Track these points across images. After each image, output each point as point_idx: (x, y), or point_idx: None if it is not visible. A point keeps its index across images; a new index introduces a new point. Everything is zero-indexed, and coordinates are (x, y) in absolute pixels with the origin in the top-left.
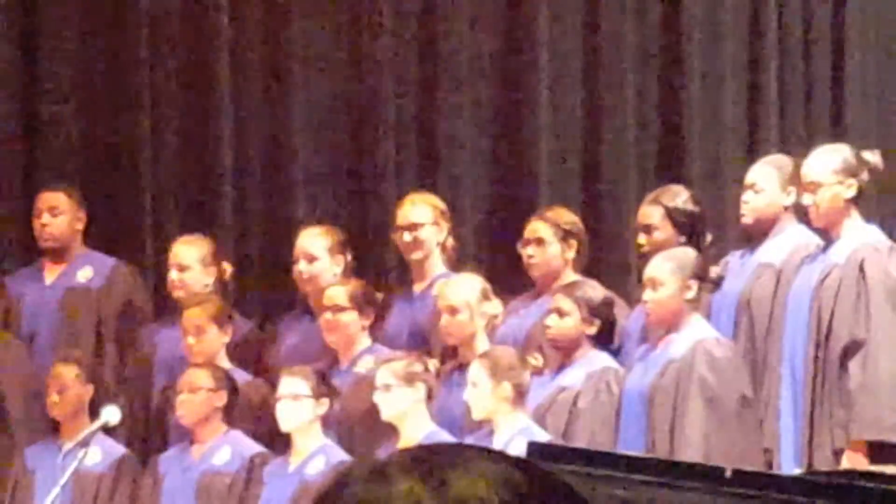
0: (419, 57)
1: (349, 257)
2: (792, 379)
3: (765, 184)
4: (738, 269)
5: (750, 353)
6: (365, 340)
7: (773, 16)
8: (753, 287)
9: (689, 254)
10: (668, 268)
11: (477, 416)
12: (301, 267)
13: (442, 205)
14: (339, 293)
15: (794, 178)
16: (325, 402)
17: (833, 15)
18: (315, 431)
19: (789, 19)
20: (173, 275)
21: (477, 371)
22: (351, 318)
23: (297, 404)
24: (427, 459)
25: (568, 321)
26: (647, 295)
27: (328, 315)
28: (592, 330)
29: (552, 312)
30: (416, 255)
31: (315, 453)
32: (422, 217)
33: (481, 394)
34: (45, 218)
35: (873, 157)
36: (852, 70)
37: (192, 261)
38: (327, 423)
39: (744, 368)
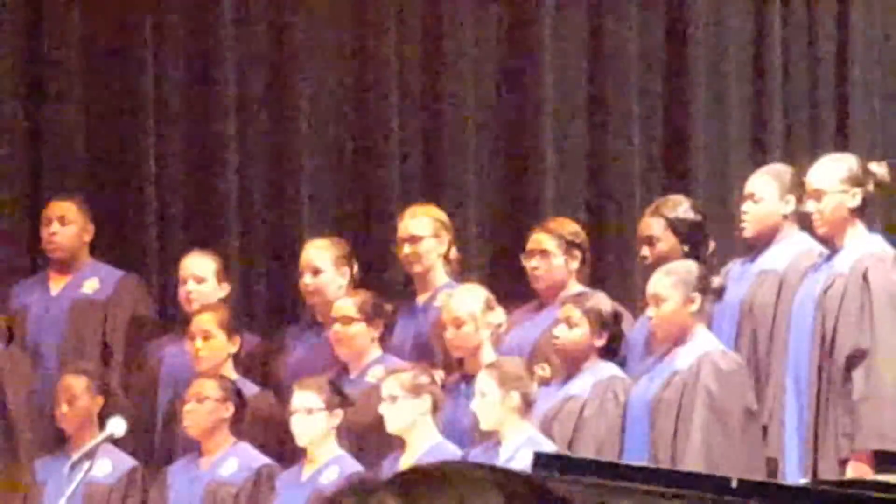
0: (423, 71)
1: (355, 269)
2: (796, 388)
3: (763, 193)
4: (739, 276)
5: (753, 361)
6: (375, 351)
7: (777, 26)
8: (755, 294)
9: (690, 267)
10: (669, 283)
11: (485, 426)
12: (306, 279)
13: (443, 216)
14: (347, 305)
15: (793, 187)
16: (339, 413)
17: (837, 25)
18: (330, 442)
19: (794, 29)
20: (189, 286)
21: (485, 381)
22: (360, 329)
23: (310, 418)
24: (416, 478)
25: (577, 332)
26: (651, 311)
27: (337, 327)
28: (600, 342)
29: (561, 323)
30: (416, 268)
31: (329, 463)
32: (422, 229)
33: (489, 404)
34: (54, 227)
35: (880, 168)
36: (857, 80)
37: (207, 273)
38: (340, 433)
39: (749, 382)
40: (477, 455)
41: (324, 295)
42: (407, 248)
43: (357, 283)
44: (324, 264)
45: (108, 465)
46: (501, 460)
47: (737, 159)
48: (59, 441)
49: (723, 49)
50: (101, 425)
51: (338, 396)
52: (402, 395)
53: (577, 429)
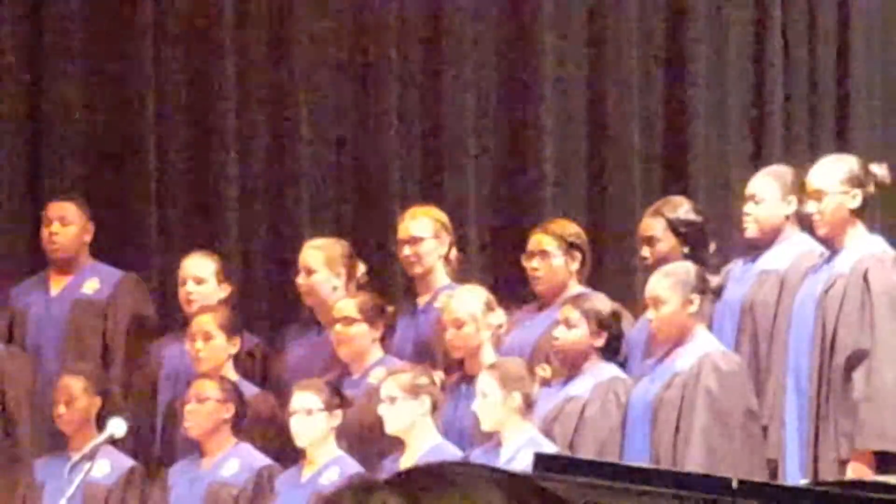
0: (423, 71)
1: (360, 270)
2: (797, 389)
3: (765, 194)
4: (740, 276)
5: (753, 361)
6: (376, 352)
7: (777, 27)
8: (756, 293)
9: (688, 268)
10: (668, 284)
11: (486, 427)
12: (300, 279)
13: (444, 217)
14: (348, 306)
15: (794, 187)
16: (339, 413)
17: (837, 26)
18: (329, 443)
19: (794, 30)
20: (190, 287)
21: (487, 382)
22: (361, 330)
23: (310, 419)
24: (417, 477)
25: (576, 333)
26: (651, 314)
27: (339, 328)
28: (600, 342)
29: (560, 324)
30: (417, 269)
31: (329, 464)
32: (422, 231)
33: (491, 404)
34: (55, 227)
35: (881, 169)
36: (857, 80)
37: (208, 274)
38: (340, 433)
39: (749, 382)
40: (478, 456)
41: (317, 295)
42: (407, 250)
43: (362, 284)
44: (316, 265)
45: (107, 466)
46: (502, 461)
47: (737, 159)
48: (59, 441)
49: (723, 49)
50: (100, 425)
51: (337, 397)
52: (401, 397)
53: (577, 430)
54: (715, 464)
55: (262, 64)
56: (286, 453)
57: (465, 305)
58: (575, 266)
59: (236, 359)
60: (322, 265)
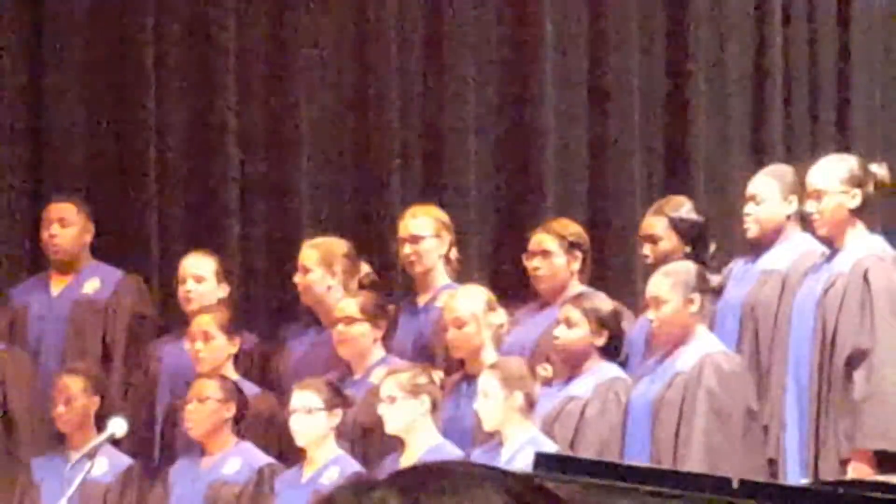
0: (424, 71)
1: (362, 270)
2: (797, 388)
3: (766, 194)
4: (741, 275)
5: (755, 361)
6: (378, 352)
7: (777, 27)
8: (757, 293)
9: (688, 267)
10: (668, 284)
11: (488, 427)
12: (296, 278)
13: (444, 217)
14: (350, 305)
15: (795, 187)
16: (339, 412)
17: (838, 26)
18: (329, 443)
19: (794, 31)
20: (189, 285)
21: (488, 382)
22: (363, 329)
23: (310, 418)
24: (417, 476)
25: (576, 332)
26: (651, 314)
27: (340, 327)
28: (601, 341)
29: (561, 323)
30: (417, 268)
31: (329, 464)
32: (423, 230)
33: (493, 404)
34: (54, 229)
35: (881, 169)
36: (857, 80)
37: (207, 273)
38: (341, 433)
39: (751, 382)
40: (478, 455)
41: (313, 294)
42: (408, 249)
43: (365, 285)
44: (311, 263)
45: (105, 464)
46: (503, 460)
47: (737, 159)
48: (56, 441)
49: (723, 49)
50: (99, 425)
51: (337, 396)
52: (401, 396)
53: (578, 429)
54: (715, 464)
55: (262, 64)
56: (286, 453)
57: (467, 305)
58: (576, 265)
59: (236, 358)
60: (317, 264)
